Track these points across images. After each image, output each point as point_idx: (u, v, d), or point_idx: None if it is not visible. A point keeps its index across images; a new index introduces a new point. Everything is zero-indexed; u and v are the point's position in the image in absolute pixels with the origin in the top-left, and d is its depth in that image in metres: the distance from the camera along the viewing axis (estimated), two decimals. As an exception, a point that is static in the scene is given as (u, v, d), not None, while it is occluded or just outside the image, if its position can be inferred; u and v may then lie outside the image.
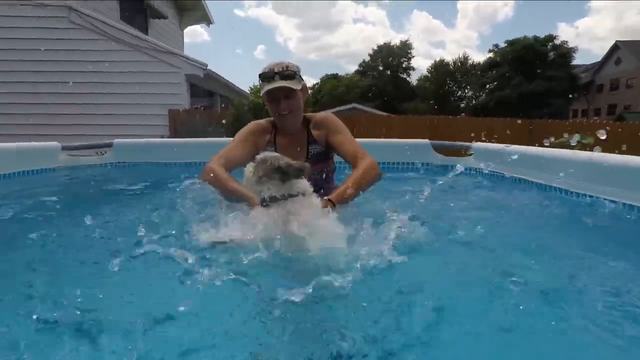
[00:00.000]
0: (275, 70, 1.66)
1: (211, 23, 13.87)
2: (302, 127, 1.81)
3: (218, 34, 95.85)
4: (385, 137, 7.31)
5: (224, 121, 7.02)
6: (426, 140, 3.10)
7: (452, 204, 1.96)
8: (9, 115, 7.38)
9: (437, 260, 1.33)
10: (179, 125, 7.37)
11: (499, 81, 36.37)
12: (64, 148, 2.69)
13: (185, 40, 13.44)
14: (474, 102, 42.21)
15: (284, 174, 1.38)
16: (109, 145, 2.95)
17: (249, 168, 1.49)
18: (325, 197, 1.48)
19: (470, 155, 3.03)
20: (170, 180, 2.10)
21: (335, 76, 45.26)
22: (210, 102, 11.35)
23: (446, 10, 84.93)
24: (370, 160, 1.64)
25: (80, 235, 1.47)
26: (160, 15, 10.59)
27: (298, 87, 1.68)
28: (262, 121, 1.83)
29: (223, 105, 11.16)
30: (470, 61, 44.92)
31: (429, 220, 1.57)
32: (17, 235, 1.56)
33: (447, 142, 3.47)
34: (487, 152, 2.86)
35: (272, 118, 1.79)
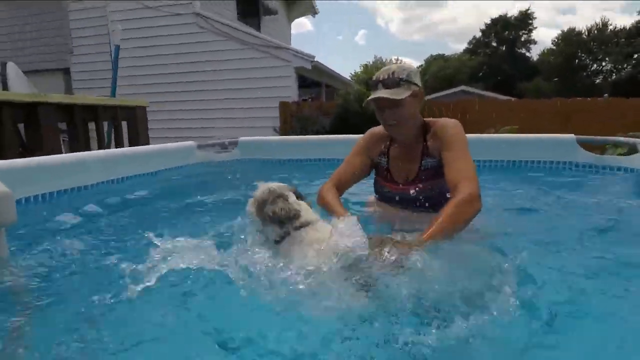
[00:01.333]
0: (380, 77, 1.53)
1: (316, 13, 14.16)
2: (418, 135, 1.63)
3: (320, 22, 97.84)
4: (505, 126, 6.58)
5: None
6: (571, 136, 2.63)
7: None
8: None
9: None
10: (288, 116, 7.75)
11: (653, 49, 29.68)
12: (199, 146, 3.06)
13: (292, 32, 14.00)
14: (613, 76, 35.29)
15: (279, 222, 1.24)
16: (235, 142, 3.27)
17: (251, 209, 1.34)
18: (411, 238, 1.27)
19: (635, 154, 2.46)
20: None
21: (441, 57, 42.44)
22: (316, 92, 11.69)
23: (579, -32, 71.92)
24: (468, 192, 1.36)
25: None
26: (272, 12, 11.18)
27: (402, 95, 1.48)
28: (378, 128, 1.70)
29: (329, 95, 11.38)
30: (610, 26, 37.49)
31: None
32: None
33: (599, 138, 2.90)
34: None
35: None
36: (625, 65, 34.00)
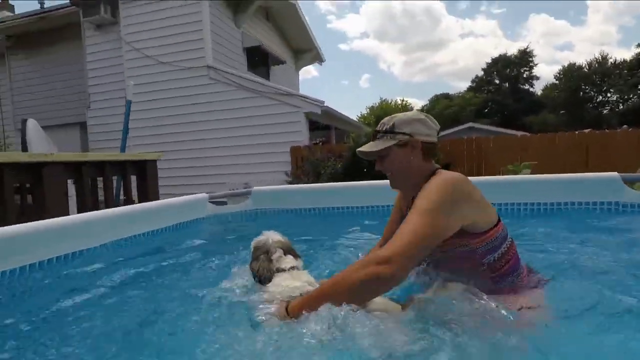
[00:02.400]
0: (378, 128, 1.45)
1: (323, 61, 14.64)
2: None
3: (325, 69, 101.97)
4: (524, 162, 6.38)
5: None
6: (615, 174, 2.41)
7: None
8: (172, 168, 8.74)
9: None
10: (299, 160, 7.68)
11: (657, 79, 29.87)
12: (211, 199, 2.92)
13: (299, 78, 14.41)
14: (620, 107, 35.37)
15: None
16: (249, 192, 3.12)
17: (291, 260, 1.42)
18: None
19: None
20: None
21: (446, 95, 43.27)
22: (326, 135, 11.76)
23: (571, 7, 74.86)
24: (381, 254, 1.11)
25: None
26: (279, 61, 11.56)
27: (380, 147, 1.39)
28: None
29: (338, 137, 11.42)
30: (610, 60, 38.17)
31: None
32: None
33: None
34: None
35: None
36: (631, 95, 34.10)
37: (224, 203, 3.08)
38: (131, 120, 9.19)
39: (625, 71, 35.11)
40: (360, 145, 1.52)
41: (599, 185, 2.40)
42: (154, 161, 4.08)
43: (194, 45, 8.39)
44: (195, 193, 3.93)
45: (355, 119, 14.29)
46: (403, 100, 33.14)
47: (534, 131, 24.32)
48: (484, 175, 6.88)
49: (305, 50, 13.64)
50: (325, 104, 8.26)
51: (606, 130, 6.83)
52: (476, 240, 1.26)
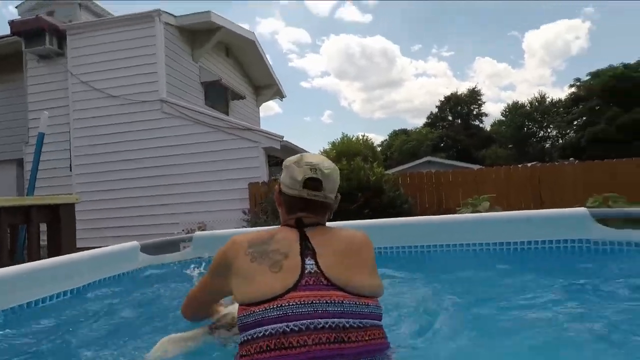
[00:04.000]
0: None
1: (284, 97, 14.72)
2: None
3: (288, 105, 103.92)
4: (478, 195, 6.47)
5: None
6: (583, 209, 2.33)
7: None
8: (101, 204, 8.08)
9: None
10: (258, 197, 7.36)
11: (589, 116, 32.96)
12: (143, 248, 2.52)
13: (261, 114, 14.34)
14: (560, 141, 38.52)
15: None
16: (189, 238, 2.74)
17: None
18: None
19: None
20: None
21: (404, 131, 45.07)
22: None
23: (511, 52, 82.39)
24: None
25: None
26: (239, 97, 11.43)
27: None
28: None
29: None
30: (548, 99, 41.97)
31: None
32: None
33: (617, 210, 2.61)
34: None
35: None
36: (568, 131, 37.25)
37: (167, 251, 2.69)
38: (77, 156, 8.58)
39: (562, 109, 38.53)
40: None
41: (567, 222, 2.32)
42: (70, 205, 3.48)
43: (146, 78, 8.07)
44: (149, 235, 3.49)
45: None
46: (364, 136, 34.04)
47: (487, 164, 25.65)
48: (445, 208, 6.90)
49: (265, 86, 13.66)
50: (284, 139, 8.11)
51: (556, 163, 7.16)
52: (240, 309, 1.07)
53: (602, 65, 37.27)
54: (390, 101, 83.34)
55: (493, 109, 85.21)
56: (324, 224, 1.23)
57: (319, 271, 1.04)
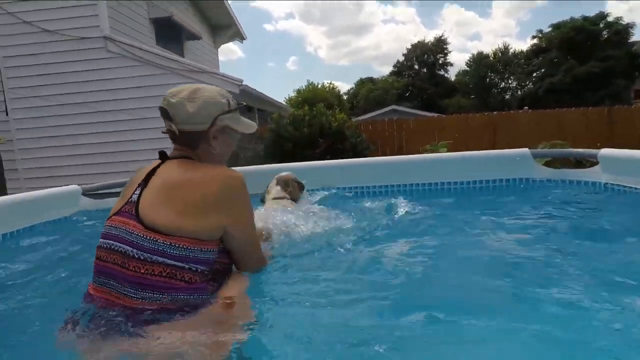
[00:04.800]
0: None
1: (244, 39, 13.84)
2: None
3: (251, 49, 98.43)
4: (438, 142, 6.62)
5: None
6: (524, 150, 2.42)
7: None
8: (46, 150, 7.53)
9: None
10: (218, 145, 7.12)
11: (547, 67, 33.90)
12: (84, 192, 2.35)
13: (221, 58, 13.52)
14: (519, 92, 39.72)
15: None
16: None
17: (278, 190, 1.98)
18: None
19: (593, 165, 2.28)
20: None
21: (370, 79, 44.49)
22: (248, 118, 11.17)
23: (478, 1, 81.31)
24: None
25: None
26: (195, 37, 10.60)
27: None
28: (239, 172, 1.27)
29: (263, 120, 10.93)
30: (511, 50, 42.53)
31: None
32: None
33: (555, 150, 2.74)
34: (625, 161, 2.06)
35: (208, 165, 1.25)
36: (527, 82, 38.34)
37: (111, 196, 2.53)
38: (13, 99, 7.77)
39: (522, 60, 39.28)
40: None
41: (510, 162, 2.40)
42: None
43: (86, 11, 7.21)
44: (99, 181, 3.30)
45: (282, 102, 13.84)
46: (330, 83, 33.39)
47: (450, 113, 26.18)
48: (405, 154, 7.03)
49: (224, 26, 12.72)
50: (244, 84, 7.73)
51: (511, 112, 7.37)
52: None
53: (565, 17, 37.76)
54: (357, 47, 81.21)
55: (458, 59, 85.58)
56: (191, 157, 1.23)
57: (135, 201, 1.12)
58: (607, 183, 2.14)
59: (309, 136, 6.46)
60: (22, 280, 1.53)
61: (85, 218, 2.22)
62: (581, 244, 1.41)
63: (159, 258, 1.04)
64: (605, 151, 2.20)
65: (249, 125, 1.37)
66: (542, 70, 34.68)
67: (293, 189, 1.96)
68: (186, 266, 1.06)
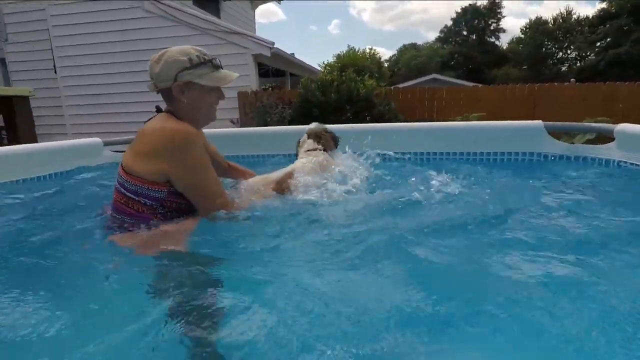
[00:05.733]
0: (217, 60, 1.47)
1: (281, 0, 13.55)
2: None
3: (292, 11, 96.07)
4: (474, 113, 6.30)
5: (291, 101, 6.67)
6: (538, 122, 2.26)
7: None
8: (101, 106, 7.97)
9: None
10: (247, 107, 7.22)
11: (614, 36, 30.56)
12: (106, 144, 2.52)
13: (262, 20, 13.48)
14: (578, 64, 36.34)
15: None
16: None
17: (310, 143, 1.92)
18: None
19: (611, 142, 2.10)
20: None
21: (413, 46, 42.44)
22: (280, 82, 11.15)
23: (545, -42, 73.33)
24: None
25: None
26: (231, -4, 10.52)
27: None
28: (191, 128, 1.37)
29: (296, 85, 10.88)
30: (575, 16, 38.54)
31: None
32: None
33: (569, 124, 2.54)
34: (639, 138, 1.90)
35: (179, 121, 1.39)
36: (588, 53, 34.97)
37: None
38: (60, 57, 8.21)
39: (587, 28, 35.64)
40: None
41: (521, 135, 2.26)
42: (25, 98, 3.41)
43: (125, -29, 7.34)
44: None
45: (316, 66, 13.60)
46: (371, 49, 32.23)
47: (496, 84, 24.52)
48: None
49: (260, -14, 12.50)
50: (276, 46, 7.66)
51: (555, 84, 6.82)
52: None
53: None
54: (403, 11, 76.94)
55: (513, 25, 78.91)
56: (171, 111, 1.43)
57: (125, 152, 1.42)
58: (620, 161, 1.98)
59: (337, 102, 6.37)
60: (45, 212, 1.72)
61: (105, 168, 2.41)
62: (575, 230, 1.32)
63: (122, 190, 1.36)
64: (622, 126, 2.01)
65: (219, 79, 1.42)
66: (608, 39, 31.35)
67: (325, 141, 1.91)
68: (136, 198, 1.34)
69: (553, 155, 2.24)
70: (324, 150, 1.89)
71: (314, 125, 1.97)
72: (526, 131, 2.29)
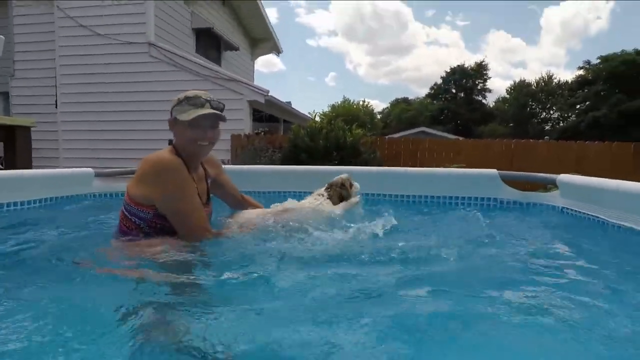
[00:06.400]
0: (206, 98, 1.63)
1: (280, 52, 14.44)
2: None
3: (291, 62, 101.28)
4: (454, 164, 6.65)
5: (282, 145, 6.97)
6: (493, 171, 2.53)
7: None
8: (97, 142, 8.20)
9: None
10: (239, 149, 7.50)
11: (593, 100, 32.55)
12: (97, 174, 2.70)
13: (262, 69, 14.48)
14: (561, 124, 38.26)
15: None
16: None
17: (321, 190, 2.08)
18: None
19: (553, 190, 2.37)
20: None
21: (405, 100, 44.50)
22: (274, 127, 11.60)
23: (527, 27, 79.65)
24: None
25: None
26: (232, 47, 11.24)
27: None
28: (174, 157, 1.56)
29: (286, 131, 11.32)
30: (555, 80, 41.21)
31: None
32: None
33: (520, 173, 2.83)
34: (579, 188, 2.18)
35: (173, 152, 1.60)
36: (570, 114, 36.93)
37: (123, 181, 2.85)
38: (63, 94, 8.58)
39: (567, 92, 37.96)
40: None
41: (478, 182, 2.51)
42: (26, 129, 3.63)
43: (135, 19, 7.92)
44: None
45: (307, 114, 14.21)
46: (364, 101, 33.72)
47: (477, 139, 25.62)
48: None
49: (262, 39, 13.38)
50: (270, 94, 8.12)
51: (530, 141, 7.28)
52: None
53: (619, 49, 36.18)
54: (397, 68, 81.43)
55: (500, 85, 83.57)
56: (173, 144, 1.68)
57: None
58: (563, 207, 2.21)
59: (325, 149, 6.68)
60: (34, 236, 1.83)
61: (94, 197, 2.55)
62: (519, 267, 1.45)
63: (123, 208, 1.60)
64: (563, 176, 2.27)
65: (196, 113, 1.55)
66: (587, 102, 33.38)
67: (334, 193, 2.05)
68: (129, 217, 1.57)
69: (508, 201, 2.47)
70: (328, 198, 2.05)
71: (345, 175, 2.15)
72: (483, 179, 2.53)
